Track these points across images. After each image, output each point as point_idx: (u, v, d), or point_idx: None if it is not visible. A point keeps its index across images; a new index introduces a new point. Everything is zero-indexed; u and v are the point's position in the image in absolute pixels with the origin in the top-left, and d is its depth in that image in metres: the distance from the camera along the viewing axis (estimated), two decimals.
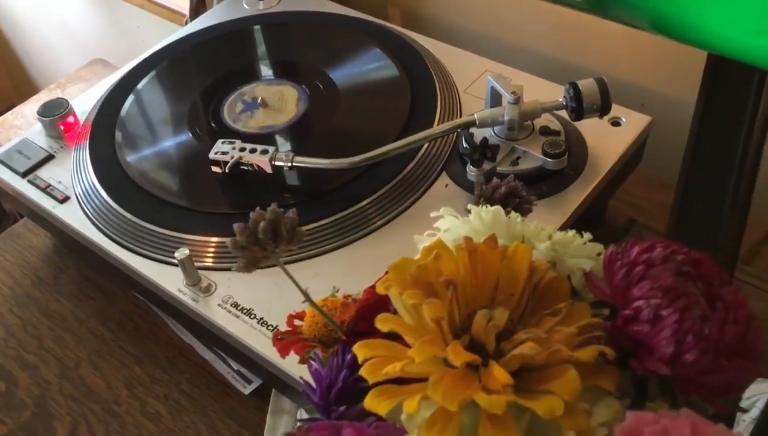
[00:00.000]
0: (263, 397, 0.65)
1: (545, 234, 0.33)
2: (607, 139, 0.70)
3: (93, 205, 0.69)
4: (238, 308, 0.61)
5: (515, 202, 0.37)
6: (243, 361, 0.64)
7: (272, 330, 0.59)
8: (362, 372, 0.29)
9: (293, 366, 0.54)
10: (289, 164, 0.66)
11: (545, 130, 0.69)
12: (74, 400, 0.68)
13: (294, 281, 0.34)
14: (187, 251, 0.61)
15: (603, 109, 0.66)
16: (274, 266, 0.64)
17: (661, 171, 0.78)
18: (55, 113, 0.76)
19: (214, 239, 0.65)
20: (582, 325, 0.30)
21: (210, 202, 0.68)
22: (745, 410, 0.57)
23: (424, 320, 0.29)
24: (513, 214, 0.34)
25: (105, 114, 0.77)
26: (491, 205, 0.35)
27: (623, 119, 0.72)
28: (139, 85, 0.80)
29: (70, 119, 0.77)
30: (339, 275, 0.62)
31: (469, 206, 0.34)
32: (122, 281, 0.70)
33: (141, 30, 1.42)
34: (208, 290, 0.63)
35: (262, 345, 0.58)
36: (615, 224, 0.76)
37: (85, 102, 0.80)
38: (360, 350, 0.30)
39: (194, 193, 0.70)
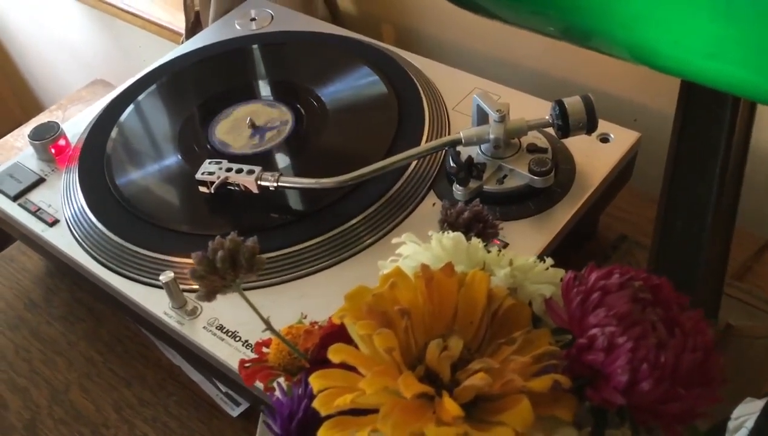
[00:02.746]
0: (251, 419, 0.65)
1: (506, 260, 0.33)
2: (596, 156, 0.69)
3: (81, 228, 0.70)
4: (224, 331, 0.61)
5: (479, 227, 0.36)
6: (230, 383, 0.64)
7: None
8: (315, 404, 0.29)
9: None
10: (275, 184, 0.66)
11: (532, 148, 0.68)
12: (64, 423, 0.68)
13: (254, 309, 0.34)
14: (171, 274, 0.61)
15: (589, 127, 0.66)
16: (261, 287, 0.65)
17: (652, 186, 0.78)
18: (46, 136, 0.76)
19: None
20: (538, 354, 0.29)
21: (197, 223, 0.68)
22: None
23: (378, 351, 0.29)
24: (474, 240, 0.34)
25: (95, 136, 0.78)
26: (454, 231, 0.34)
27: (612, 135, 0.71)
28: (129, 108, 0.80)
29: (61, 142, 0.77)
30: (327, 295, 0.61)
31: (430, 233, 0.34)
32: (111, 303, 0.70)
33: (142, 49, 1.44)
34: (193, 313, 0.63)
35: None
36: (606, 240, 0.76)
37: (77, 124, 0.81)
38: (316, 380, 0.30)
39: (181, 215, 0.70)
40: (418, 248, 0.34)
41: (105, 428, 0.67)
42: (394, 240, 0.35)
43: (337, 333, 0.35)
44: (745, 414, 0.57)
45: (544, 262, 0.33)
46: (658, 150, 0.76)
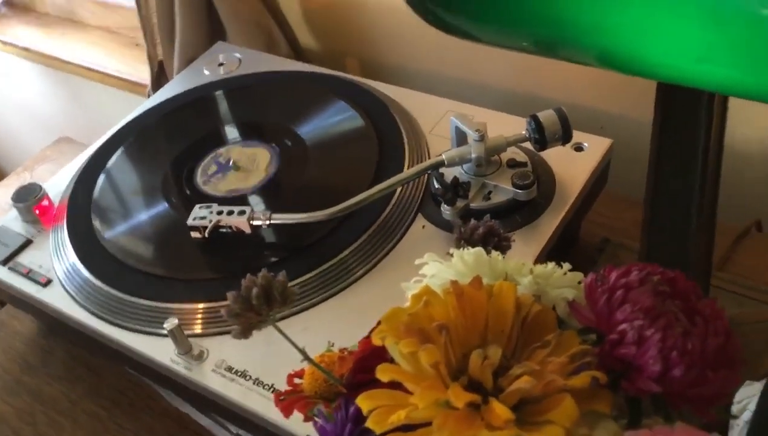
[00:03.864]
0: None
1: (527, 269, 0.35)
2: (573, 165, 0.72)
3: (76, 284, 0.70)
4: (233, 372, 0.62)
5: (494, 241, 0.38)
6: (242, 424, 0.64)
7: (268, 389, 0.59)
8: (369, 424, 0.30)
9: (294, 424, 0.54)
10: (267, 222, 0.67)
11: (512, 163, 0.71)
12: None
13: (290, 341, 0.35)
14: (176, 321, 0.62)
15: (565, 138, 0.68)
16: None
17: (626, 190, 0.81)
18: (29, 198, 0.76)
19: (201, 305, 0.65)
20: (572, 353, 0.31)
21: (193, 268, 0.69)
22: (735, 416, 0.58)
23: (422, 366, 0.30)
24: (494, 253, 0.35)
25: (79, 194, 0.78)
26: (472, 247, 0.36)
27: (585, 144, 0.74)
28: (110, 162, 0.81)
29: (45, 203, 0.77)
30: (328, 326, 0.63)
31: (452, 251, 0.36)
32: (113, 357, 0.70)
33: (104, 104, 1.44)
34: (200, 357, 0.63)
35: (260, 405, 0.59)
36: (589, 245, 0.78)
37: (57, 184, 0.81)
38: (363, 401, 0.31)
39: (176, 262, 0.70)
40: (441, 266, 0.35)
41: None
42: (417, 261, 0.37)
43: (370, 355, 0.36)
44: (747, 397, 0.59)
45: (562, 267, 0.35)
46: (626, 154, 0.79)
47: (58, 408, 0.73)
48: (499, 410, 0.29)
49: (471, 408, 0.30)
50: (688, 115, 0.47)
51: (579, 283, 0.35)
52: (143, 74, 1.24)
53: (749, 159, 0.82)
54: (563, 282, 0.35)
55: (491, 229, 0.38)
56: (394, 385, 0.32)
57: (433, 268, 0.36)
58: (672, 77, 0.34)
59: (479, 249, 0.35)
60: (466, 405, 0.29)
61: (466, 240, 0.38)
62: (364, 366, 0.36)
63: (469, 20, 0.51)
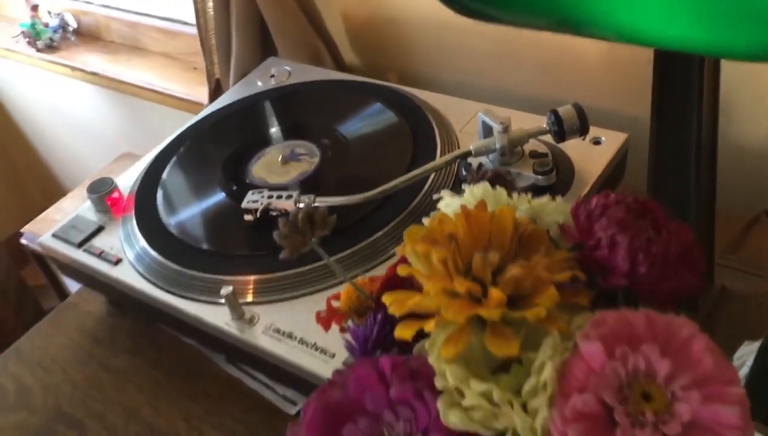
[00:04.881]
0: None
1: (525, 200, 0.42)
2: (591, 157, 0.79)
3: (144, 263, 0.78)
4: (280, 333, 0.69)
5: (500, 182, 0.45)
6: (288, 381, 0.71)
7: (311, 347, 0.67)
8: (389, 309, 0.37)
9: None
10: (312, 205, 0.75)
11: (534, 154, 0.78)
12: None
13: (329, 261, 0.43)
14: (230, 288, 0.70)
15: (582, 130, 0.75)
16: (301, 296, 0.72)
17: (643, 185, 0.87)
18: (102, 190, 0.86)
19: (253, 277, 0.73)
20: (559, 258, 0.38)
21: (245, 246, 0.77)
22: None
23: (433, 265, 0.37)
24: (499, 188, 0.42)
25: (146, 187, 0.87)
26: None
27: (603, 138, 0.81)
28: (172, 159, 0.90)
29: (115, 195, 0.87)
30: None
31: (464, 187, 0.43)
32: (174, 326, 0.78)
33: (163, 123, 1.55)
34: (251, 321, 0.71)
35: (305, 360, 0.66)
36: None
37: (126, 178, 0.90)
38: (387, 297, 0.38)
39: (231, 241, 0.79)
40: (454, 199, 0.43)
41: None
42: (435, 196, 0.44)
43: (394, 277, 0.43)
44: (745, 354, 0.65)
45: (555, 200, 0.42)
46: (643, 153, 0.85)
47: (123, 376, 0.81)
48: (494, 294, 0.36)
49: (472, 299, 0.37)
50: (682, 72, 0.54)
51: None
52: (200, 94, 1.35)
53: (758, 148, 0.88)
54: (556, 209, 0.41)
55: (498, 172, 0.45)
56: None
57: (448, 200, 0.43)
58: (656, 42, 0.40)
59: (486, 184, 0.42)
60: (467, 293, 0.36)
61: (476, 181, 0.45)
62: (389, 285, 0.43)
63: (491, 5, 0.58)
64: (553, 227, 0.41)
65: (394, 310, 0.37)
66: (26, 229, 1.34)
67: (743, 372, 0.64)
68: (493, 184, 0.44)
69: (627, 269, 0.37)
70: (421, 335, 0.38)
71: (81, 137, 1.79)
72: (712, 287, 0.71)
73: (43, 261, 1.41)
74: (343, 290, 0.46)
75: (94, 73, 1.54)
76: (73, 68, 1.58)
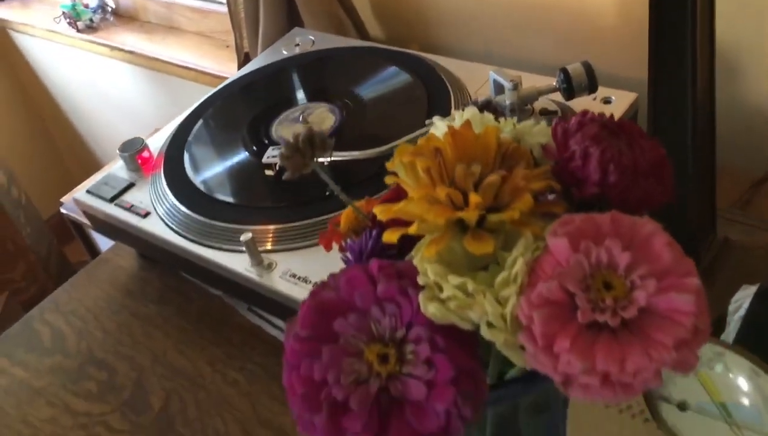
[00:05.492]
0: None
1: (511, 123, 0.45)
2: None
3: (171, 215, 0.83)
4: (297, 278, 0.73)
5: (490, 109, 0.48)
6: None
7: None
8: (377, 214, 0.40)
9: None
10: (329, 159, 0.78)
11: (544, 111, 0.80)
12: (166, 378, 0.79)
13: (329, 181, 0.46)
14: (250, 234, 0.74)
15: (591, 88, 0.77)
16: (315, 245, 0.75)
17: None
18: (133, 149, 0.90)
19: (272, 227, 0.77)
20: (537, 171, 0.41)
21: (267, 199, 0.81)
22: (731, 314, 0.66)
23: (418, 175, 0.40)
24: (487, 114, 0.45)
25: (175, 146, 0.92)
26: None
27: (613, 97, 0.83)
28: (200, 121, 0.94)
29: (145, 154, 0.91)
30: None
31: (453, 112, 0.46)
32: (199, 275, 0.83)
33: (196, 99, 1.59)
34: (270, 267, 0.75)
35: None
36: None
37: (155, 140, 0.95)
38: (377, 208, 0.41)
39: (252, 194, 0.83)
40: (443, 123, 0.46)
41: (201, 379, 0.79)
42: (427, 121, 0.47)
43: (389, 198, 0.47)
44: (742, 297, 0.67)
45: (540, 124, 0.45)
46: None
47: (152, 323, 0.86)
48: (473, 198, 0.38)
49: (453, 206, 0.40)
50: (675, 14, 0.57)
51: None
52: (232, 71, 1.39)
53: None
54: (540, 132, 0.44)
55: (488, 100, 0.48)
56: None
57: (438, 124, 0.46)
58: None
59: (474, 108, 0.45)
60: (448, 199, 0.39)
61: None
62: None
63: None
64: (536, 147, 0.44)
65: (381, 215, 0.40)
66: (65, 198, 1.40)
67: (740, 313, 0.66)
68: (481, 110, 0.47)
69: (598, 179, 0.39)
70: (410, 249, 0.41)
71: (118, 115, 1.86)
72: (715, 237, 0.73)
73: (81, 230, 1.47)
74: (342, 214, 0.49)
75: (131, 53, 1.60)
76: (111, 48, 1.64)
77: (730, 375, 0.54)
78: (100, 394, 0.80)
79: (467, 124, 0.43)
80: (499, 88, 0.81)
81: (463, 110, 0.46)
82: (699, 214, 0.71)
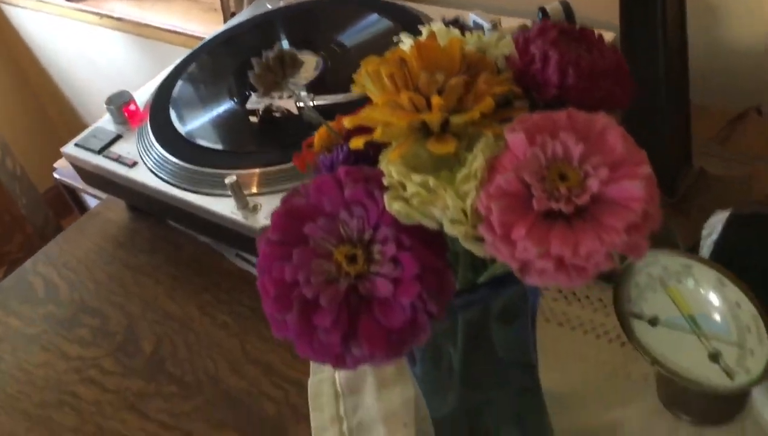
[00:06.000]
0: None
1: (477, 36, 0.46)
2: None
3: (157, 163, 0.84)
4: None
5: (457, 27, 0.49)
6: None
7: None
8: (345, 123, 0.41)
9: None
10: (311, 103, 0.79)
11: None
12: (157, 323, 0.81)
13: (309, 107, 0.47)
14: (234, 177, 0.75)
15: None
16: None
17: None
18: (120, 102, 0.91)
19: (257, 170, 0.78)
20: (500, 78, 0.42)
21: (251, 144, 0.82)
22: (704, 238, 0.67)
23: (383, 82, 0.42)
24: (453, 29, 0.46)
25: (161, 97, 0.93)
26: None
27: None
28: (184, 74, 0.95)
29: (132, 107, 0.92)
30: None
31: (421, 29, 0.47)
32: (187, 222, 0.84)
33: None
34: (255, 209, 0.76)
35: None
36: None
37: (143, 93, 0.96)
38: (346, 119, 0.43)
39: (237, 140, 0.84)
40: (411, 38, 0.47)
41: (191, 322, 0.80)
42: (395, 38, 0.48)
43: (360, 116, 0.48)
44: (714, 222, 0.68)
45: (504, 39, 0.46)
46: None
47: (143, 271, 0.87)
48: (434, 100, 0.40)
49: (416, 110, 0.41)
50: None
51: None
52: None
53: (752, 48, 0.90)
54: (505, 44, 0.45)
55: (456, 20, 0.49)
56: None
57: (405, 40, 0.47)
58: None
59: (441, 25, 0.46)
60: (411, 104, 0.40)
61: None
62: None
63: None
64: (500, 59, 0.45)
65: (347, 124, 0.41)
66: (58, 163, 1.42)
67: (713, 239, 0.67)
68: (447, 26, 0.48)
69: (558, 81, 0.40)
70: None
71: (109, 84, 1.86)
72: (690, 168, 0.74)
73: (75, 197, 1.48)
74: (316, 134, 0.50)
75: (120, 20, 1.60)
76: (101, 15, 1.64)
77: (701, 290, 0.56)
78: (93, 339, 0.81)
79: (432, 36, 0.44)
80: (478, 30, 0.81)
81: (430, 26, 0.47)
82: (675, 147, 0.73)
